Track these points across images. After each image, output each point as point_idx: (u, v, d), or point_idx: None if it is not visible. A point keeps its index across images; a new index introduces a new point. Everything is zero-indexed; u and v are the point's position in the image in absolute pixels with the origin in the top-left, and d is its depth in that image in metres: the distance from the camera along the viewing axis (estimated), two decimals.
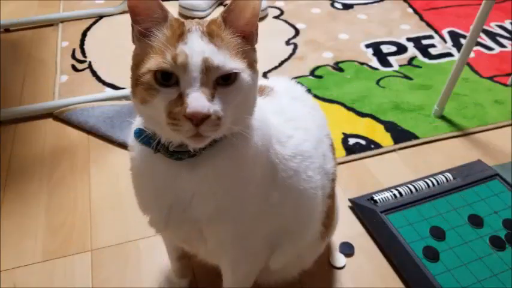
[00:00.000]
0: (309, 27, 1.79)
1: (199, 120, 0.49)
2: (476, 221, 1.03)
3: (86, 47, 1.63)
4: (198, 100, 0.49)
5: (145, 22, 0.54)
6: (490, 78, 1.53)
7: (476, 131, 1.32)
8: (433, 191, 1.09)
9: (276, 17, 1.85)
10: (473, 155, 1.23)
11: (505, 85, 1.50)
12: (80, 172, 1.17)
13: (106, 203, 1.09)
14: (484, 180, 1.13)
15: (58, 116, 1.33)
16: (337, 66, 1.56)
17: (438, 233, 1.00)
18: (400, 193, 1.09)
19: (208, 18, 0.55)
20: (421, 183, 1.11)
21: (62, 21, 1.77)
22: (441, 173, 1.15)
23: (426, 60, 1.61)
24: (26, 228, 1.03)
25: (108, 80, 1.47)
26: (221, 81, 0.52)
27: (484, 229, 1.02)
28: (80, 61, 1.56)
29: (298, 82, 0.84)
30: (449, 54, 1.64)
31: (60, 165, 1.19)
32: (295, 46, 1.67)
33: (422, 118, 1.35)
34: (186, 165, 0.59)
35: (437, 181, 1.12)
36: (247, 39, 0.56)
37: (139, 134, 0.60)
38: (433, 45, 1.69)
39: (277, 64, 1.56)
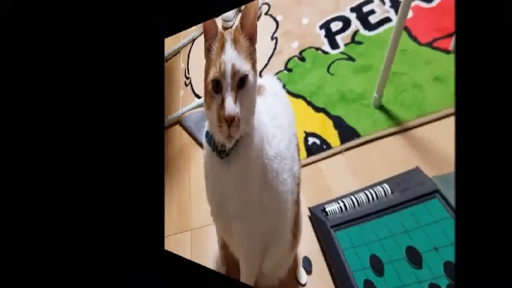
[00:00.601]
0: (285, 17, 1.62)
1: (230, 122, 0.54)
2: (414, 257, 0.95)
3: (189, 66, 1.81)
4: (229, 103, 0.53)
5: (209, 40, 0.60)
6: (430, 44, 1.26)
7: (416, 125, 1.13)
8: (372, 208, 1.06)
9: (266, 13, 1.66)
10: (413, 158, 1.10)
11: (447, 52, 1.21)
12: (187, 167, 1.39)
13: (201, 192, 1.24)
14: (423, 198, 1.02)
15: (180, 122, 1.66)
16: (301, 56, 1.45)
17: (377, 265, 0.98)
18: (345, 205, 1.08)
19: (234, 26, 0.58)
20: (362, 196, 1.09)
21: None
22: (380, 183, 1.10)
23: (367, 32, 1.37)
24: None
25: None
26: (239, 85, 0.55)
27: (423, 271, 0.93)
28: (187, 77, 1.80)
29: (278, 78, 0.87)
30: (388, 20, 1.35)
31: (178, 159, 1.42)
32: (276, 40, 1.58)
33: (363, 110, 1.25)
34: (226, 163, 0.64)
35: (376, 194, 1.09)
36: (251, 40, 0.58)
37: (207, 135, 0.65)
38: (372, 12, 1.40)
39: (266, 62, 1.52)
